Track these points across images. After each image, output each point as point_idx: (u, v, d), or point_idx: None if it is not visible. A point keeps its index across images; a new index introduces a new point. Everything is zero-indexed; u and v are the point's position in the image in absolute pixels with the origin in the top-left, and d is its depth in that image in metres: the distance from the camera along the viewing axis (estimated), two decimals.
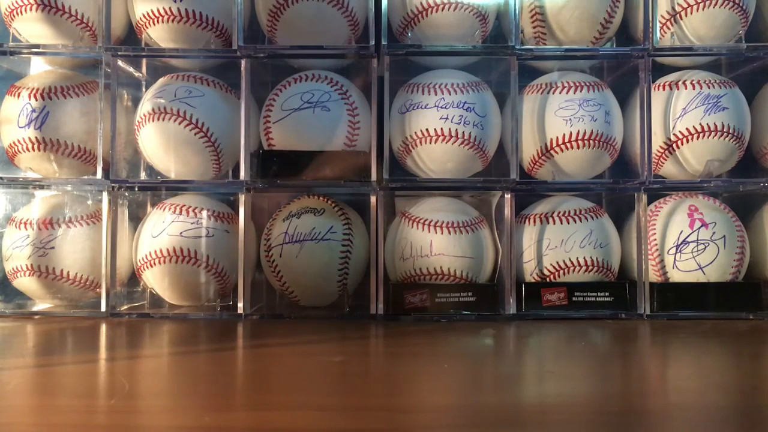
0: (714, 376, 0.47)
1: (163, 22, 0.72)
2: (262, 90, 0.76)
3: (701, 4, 0.71)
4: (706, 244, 0.70)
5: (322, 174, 0.71)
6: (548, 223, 0.71)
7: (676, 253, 0.70)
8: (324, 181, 0.71)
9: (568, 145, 0.71)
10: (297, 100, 0.71)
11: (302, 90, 0.72)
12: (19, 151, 0.74)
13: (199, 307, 0.74)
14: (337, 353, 0.55)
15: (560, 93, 0.72)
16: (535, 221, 0.72)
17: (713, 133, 0.71)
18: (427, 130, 0.70)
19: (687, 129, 0.71)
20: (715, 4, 0.71)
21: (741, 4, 0.71)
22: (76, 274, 0.73)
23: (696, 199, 0.73)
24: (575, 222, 0.71)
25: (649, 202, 0.73)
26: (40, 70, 0.79)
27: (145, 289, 0.74)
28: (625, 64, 0.74)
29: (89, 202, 0.77)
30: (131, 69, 0.78)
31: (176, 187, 0.74)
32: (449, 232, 0.70)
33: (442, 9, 0.71)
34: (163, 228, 0.71)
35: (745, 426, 0.36)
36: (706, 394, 0.40)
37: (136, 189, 0.75)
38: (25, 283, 0.74)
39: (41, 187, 0.76)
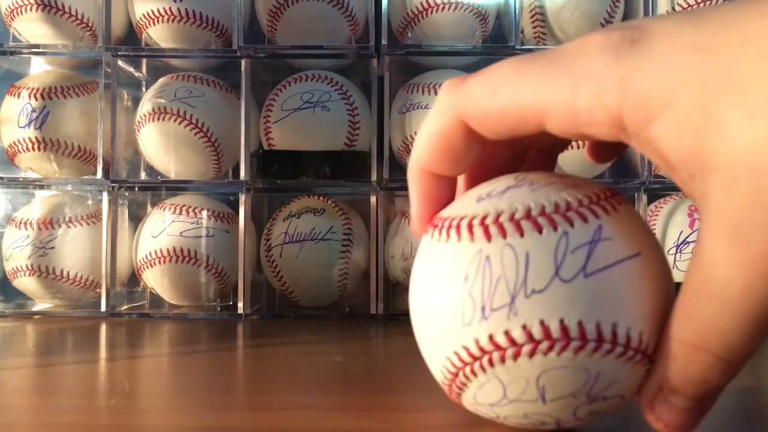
0: None
1: (163, 22, 0.72)
2: (262, 90, 0.77)
3: (701, 5, 0.71)
4: None
5: (323, 174, 0.71)
6: None
7: (676, 253, 0.70)
8: (324, 181, 0.71)
9: (569, 145, 0.71)
10: (297, 100, 0.71)
11: (302, 90, 0.72)
12: (19, 151, 0.74)
13: (199, 307, 0.74)
14: (337, 353, 0.55)
15: None
16: None
17: None
18: None
19: None
20: (715, 5, 0.71)
21: None
22: (76, 274, 0.73)
23: None
24: None
25: (649, 202, 0.73)
26: (40, 70, 0.79)
27: (145, 289, 0.74)
28: None
29: (89, 202, 0.76)
30: (131, 69, 0.78)
31: (176, 187, 0.74)
32: None
33: (443, 9, 0.71)
34: (163, 228, 0.71)
35: (745, 426, 0.36)
36: None
37: (136, 189, 0.75)
38: (25, 283, 0.74)
39: (41, 187, 0.76)
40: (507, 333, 0.26)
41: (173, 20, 0.72)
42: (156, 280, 0.72)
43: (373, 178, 0.70)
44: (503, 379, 0.27)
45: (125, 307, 0.75)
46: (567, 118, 0.25)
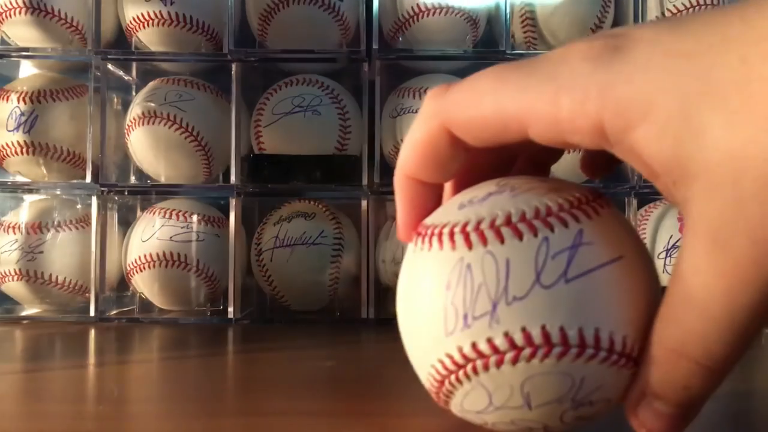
0: None
1: (153, 25, 0.71)
2: (253, 94, 0.76)
3: (690, 10, 0.71)
4: None
5: (313, 178, 0.71)
6: None
7: (666, 258, 0.70)
8: (315, 186, 0.71)
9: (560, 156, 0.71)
10: (288, 104, 0.71)
11: (293, 94, 0.72)
12: (8, 155, 0.74)
13: (189, 311, 0.74)
14: (327, 358, 0.55)
15: None
16: None
17: None
18: None
19: None
20: (698, 12, 0.71)
21: None
22: (65, 278, 0.73)
23: None
24: None
25: (639, 207, 0.73)
26: (29, 73, 0.79)
27: (135, 293, 0.74)
28: None
29: (78, 206, 0.76)
30: (121, 72, 0.77)
31: (166, 192, 0.74)
32: None
33: (434, 13, 0.71)
34: (153, 232, 0.71)
35: (737, 431, 0.36)
36: None
37: (126, 193, 0.74)
38: (14, 287, 0.73)
39: (30, 191, 0.75)
40: (489, 341, 0.26)
41: (163, 24, 0.71)
42: (146, 285, 0.72)
43: (364, 182, 0.70)
44: (488, 386, 0.27)
45: (114, 311, 0.74)
46: (549, 126, 0.26)
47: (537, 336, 0.25)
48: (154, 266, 0.70)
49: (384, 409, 0.38)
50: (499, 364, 0.26)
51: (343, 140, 0.72)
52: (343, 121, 0.72)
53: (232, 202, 0.71)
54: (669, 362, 0.25)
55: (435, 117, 0.29)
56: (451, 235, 0.27)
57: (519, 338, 0.25)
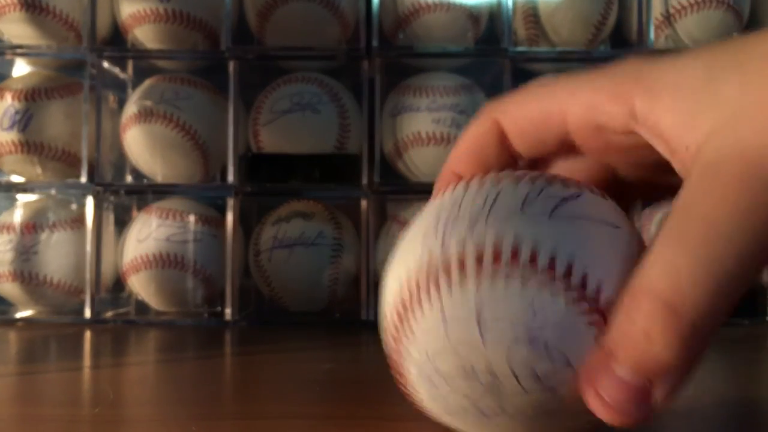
0: (709, 382, 0.47)
1: (149, 22, 0.71)
2: (251, 92, 0.76)
3: (695, 6, 0.71)
4: None
5: (312, 177, 0.70)
6: None
7: None
8: (314, 185, 0.71)
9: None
10: (286, 102, 0.71)
11: (292, 92, 0.71)
12: (3, 154, 0.73)
13: (185, 313, 0.73)
14: (326, 360, 0.55)
15: None
16: None
17: None
18: (419, 132, 0.70)
19: None
20: (710, 7, 0.71)
21: (736, 7, 0.71)
22: (60, 279, 0.72)
23: None
24: None
25: (643, 207, 0.73)
26: (23, 71, 0.78)
27: (131, 294, 0.73)
28: None
29: (73, 206, 0.75)
30: (117, 70, 0.77)
31: (163, 191, 0.73)
32: None
33: (435, 10, 0.71)
34: (150, 232, 0.70)
35: None
36: (702, 401, 0.39)
37: (122, 193, 0.74)
38: (8, 289, 0.73)
39: (24, 190, 0.75)
40: (461, 257, 0.25)
41: (160, 21, 0.71)
42: (142, 286, 0.71)
43: (364, 181, 0.70)
44: (447, 312, 0.25)
45: (110, 313, 0.73)
46: (586, 110, 0.27)
47: (506, 251, 0.24)
48: (150, 267, 0.70)
49: (383, 412, 0.38)
50: (463, 282, 0.25)
51: (342, 139, 0.71)
52: (343, 119, 0.71)
53: (230, 201, 0.70)
54: (632, 303, 0.23)
55: (488, 112, 0.31)
56: (454, 187, 0.28)
57: (488, 254, 0.24)
